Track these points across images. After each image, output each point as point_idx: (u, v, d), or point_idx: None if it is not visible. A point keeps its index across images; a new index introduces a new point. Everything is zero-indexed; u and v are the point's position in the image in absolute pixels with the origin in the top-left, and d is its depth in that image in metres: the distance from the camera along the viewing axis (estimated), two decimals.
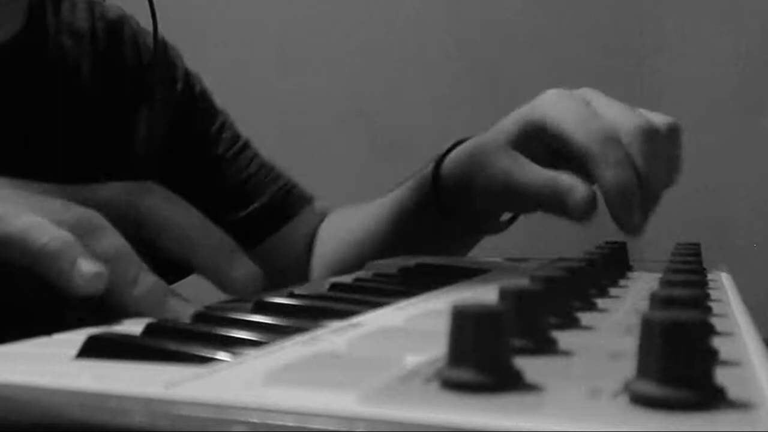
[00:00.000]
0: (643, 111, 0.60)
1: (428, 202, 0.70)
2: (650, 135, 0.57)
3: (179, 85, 0.82)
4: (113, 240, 0.42)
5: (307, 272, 0.84)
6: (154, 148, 0.78)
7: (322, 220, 0.86)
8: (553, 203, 0.59)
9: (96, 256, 0.40)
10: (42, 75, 0.71)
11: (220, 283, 0.46)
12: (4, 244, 0.41)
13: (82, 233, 0.41)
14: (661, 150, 0.58)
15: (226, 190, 0.83)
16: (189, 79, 0.83)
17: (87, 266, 0.39)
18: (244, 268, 0.46)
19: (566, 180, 0.59)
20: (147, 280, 0.42)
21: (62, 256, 0.40)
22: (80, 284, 0.39)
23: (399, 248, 0.72)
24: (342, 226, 0.82)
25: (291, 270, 0.84)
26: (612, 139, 0.57)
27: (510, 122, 0.65)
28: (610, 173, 0.57)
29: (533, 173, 0.61)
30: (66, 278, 0.39)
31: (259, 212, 0.83)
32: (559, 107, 0.60)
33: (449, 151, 0.70)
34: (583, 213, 0.58)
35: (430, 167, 0.70)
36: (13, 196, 0.44)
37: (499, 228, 0.73)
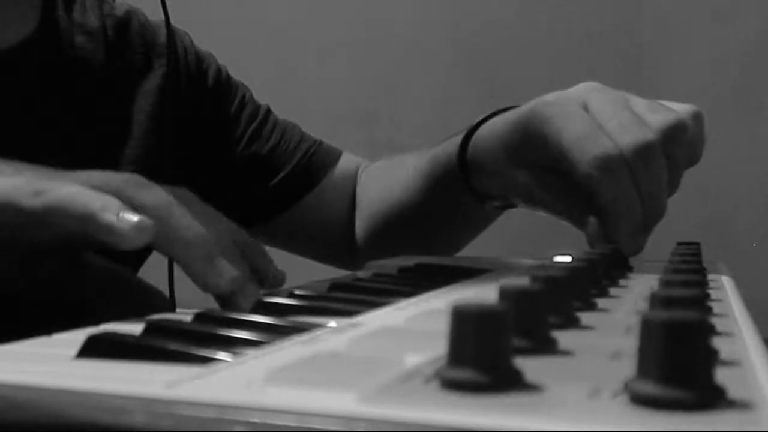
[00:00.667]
0: (643, 106, 0.59)
1: (455, 175, 0.71)
2: (651, 152, 0.56)
3: (191, 71, 0.83)
4: (158, 193, 0.45)
5: (353, 227, 0.86)
6: (166, 138, 0.79)
7: (355, 173, 0.87)
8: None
9: (143, 209, 0.43)
10: (57, 72, 0.72)
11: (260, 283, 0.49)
12: (55, 210, 0.43)
13: (127, 191, 0.44)
14: (662, 166, 0.57)
15: (253, 164, 0.84)
16: (201, 62, 0.84)
17: (130, 216, 0.42)
18: (274, 271, 0.50)
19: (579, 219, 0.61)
20: (197, 229, 0.44)
21: (105, 212, 0.42)
22: (126, 235, 0.41)
23: (429, 212, 0.75)
24: (379, 183, 0.84)
25: (333, 225, 0.86)
26: (613, 165, 0.56)
27: (507, 127, 0.64)
28: (612, 205, 0.57)
29: (552, 204, 0.64)
30: (110, 231, 0.41)
31: (288, 178, 0.85)
32: (559, 123, 0.59)
33: (478, 125, 0.70)
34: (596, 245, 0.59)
35: (458, 142, 0.70)
36: (56, 174, 0.46)
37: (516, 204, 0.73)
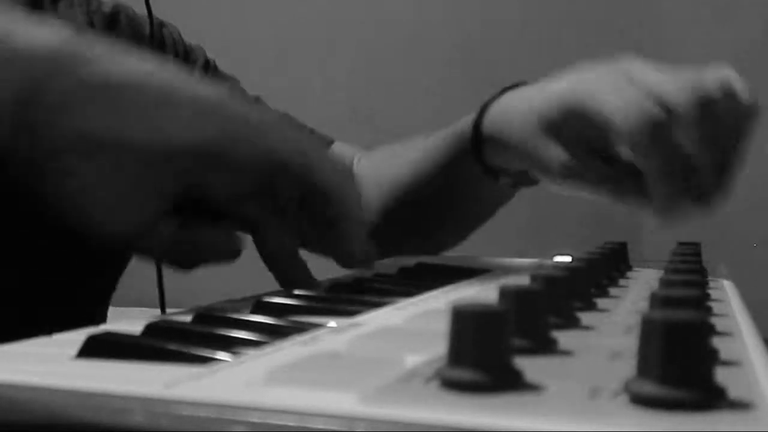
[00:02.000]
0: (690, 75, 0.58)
1: (466, 152, 0.70)
2: (707, 107, 0.56)
3: (179, 62, 0.83)
4: (333, 165, 0.49)
5: None
6: None
7: (350, 161, 0.86)
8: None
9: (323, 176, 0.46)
10: None
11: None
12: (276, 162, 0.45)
13: (313, 162, 0.47)
14: (722, 123, 0.57)
15: None
16: (189, 54, 0.84)
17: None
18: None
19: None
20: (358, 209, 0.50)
21: None
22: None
23: (436, 195, 0.74)
24: (381, 171, 0.82)
25: None
26: (661, 130, 0.54)
27: (544, 102, 0.62)
28: (661, 184, 0.56)
29: (590, 180, 0.62)
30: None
31: None
32: (600, 90, 0.58)
33: (493, 99, 0.69)
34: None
35: (472, 118, 0.70)
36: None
37: (535, 181, 0.71)
